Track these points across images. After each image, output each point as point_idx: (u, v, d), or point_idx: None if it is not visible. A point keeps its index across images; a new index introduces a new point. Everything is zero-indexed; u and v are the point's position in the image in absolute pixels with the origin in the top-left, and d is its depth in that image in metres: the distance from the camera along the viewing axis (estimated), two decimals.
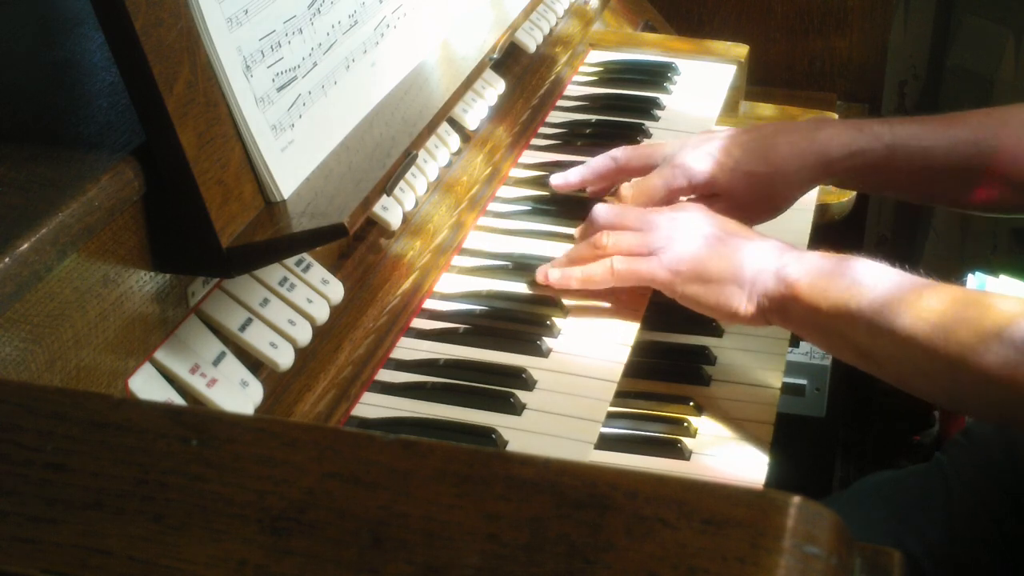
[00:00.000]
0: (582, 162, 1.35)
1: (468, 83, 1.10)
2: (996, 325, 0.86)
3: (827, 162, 1.14)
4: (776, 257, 0.99)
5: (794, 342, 1.23)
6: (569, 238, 1.22)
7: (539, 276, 1.10)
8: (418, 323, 1.09)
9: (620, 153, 1.20)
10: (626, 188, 1.17)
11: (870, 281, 0.94)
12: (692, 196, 1.17)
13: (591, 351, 1.04)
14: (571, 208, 1.23)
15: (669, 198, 1.16)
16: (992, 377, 0.85)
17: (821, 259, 0.98)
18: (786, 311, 0.98)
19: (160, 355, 0.84)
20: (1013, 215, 1.21)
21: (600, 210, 1.10)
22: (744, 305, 1.00)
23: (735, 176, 1.13)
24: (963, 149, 1.13)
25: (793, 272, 0.97)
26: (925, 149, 1.14)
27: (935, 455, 1.22)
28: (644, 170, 1.18)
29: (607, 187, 1.23)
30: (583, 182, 1.22)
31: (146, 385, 0.83)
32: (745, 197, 1.14)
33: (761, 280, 0.99)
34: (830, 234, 1.39)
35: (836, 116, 1.58)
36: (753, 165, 1.14)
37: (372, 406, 0.99)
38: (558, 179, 1.24)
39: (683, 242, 1.03)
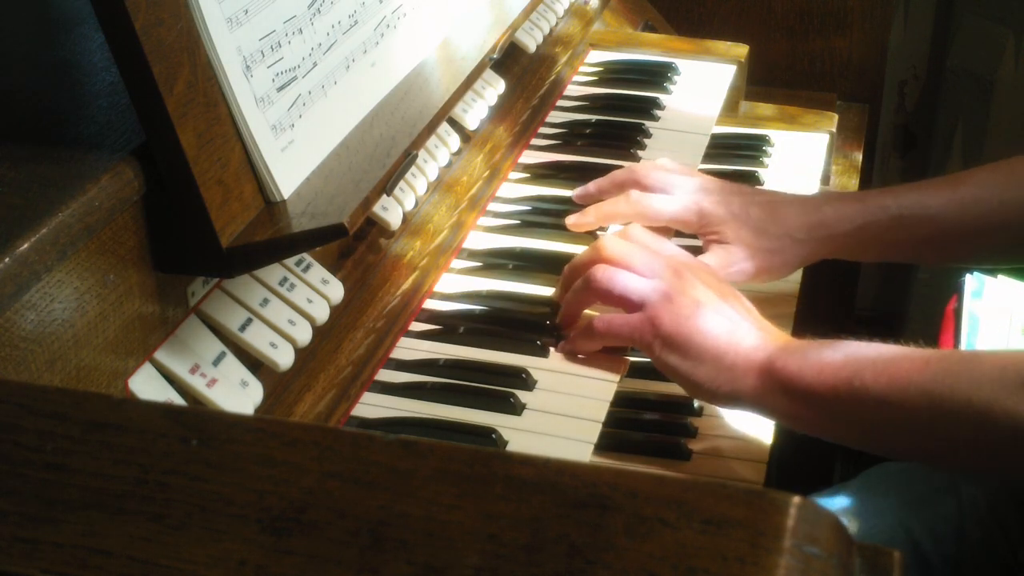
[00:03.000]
0: (582, 162, 1.35)
1: (468, 83, 1.10)
2: (1020, 374, 0.82)
3: (833, 236, 1.14)
4: (765, 347, 0.95)
5: None
6: (569, 238, 1.22)
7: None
8: (418, 323, 1.09)
9: (640, 168, 1.21)
10: (636, 196, 1.17)
11: (867, 355, 0.90)
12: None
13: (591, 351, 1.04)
14: (571, 208, 1.23)
15: (670, 226, 1.16)
16: None
17: (810, 344, 0.95)
18: (773, 399, 0.94)
19: (160, 355, 0.84)
20: None
21: (609, 243, 1.06)
22: (718, 387, 0.96)
23: (747, 229, 1.14)
24: (972, 211, 1.12)
25: (780, 361, 0.93)
26: (932, 217, 1.12)
27: None
28: (657, 191, 1.18)
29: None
30: (600, 192, 1.22)
31: (146, 385, 0.83)
32: (754, 250, 1.14)
33: (743, 366, 0.95)
34: None
35: (836, 116, 1.58)
36: (767, 224, 1.14)
37: (372, 406, 0.99)
38: (579, 191, 1.24)
39: (676, 304, 0.98)
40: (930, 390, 0.86)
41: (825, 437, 0.95)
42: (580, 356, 1.04)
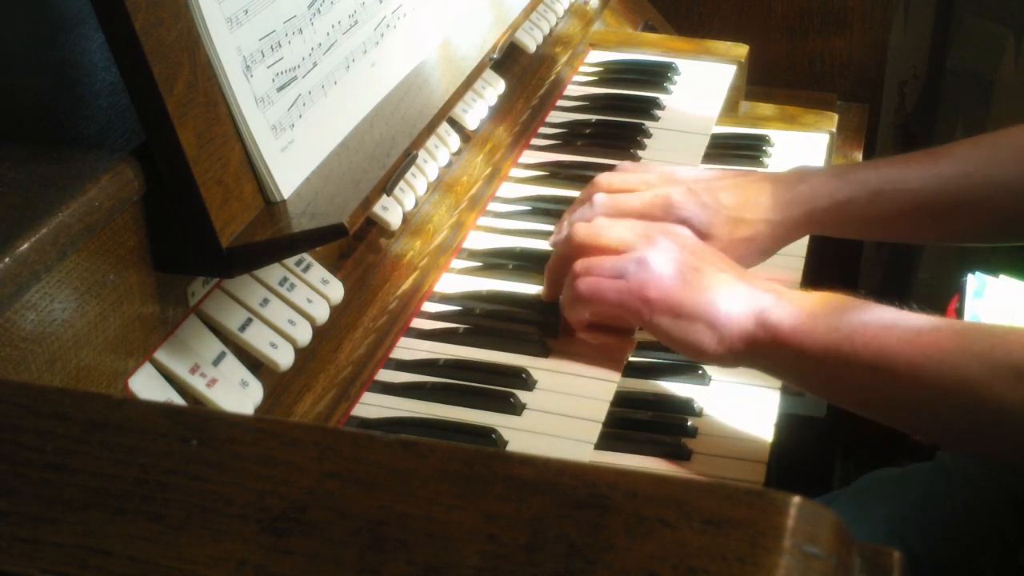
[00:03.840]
0: (582, 162, 1.35)
1: (468, 83, 1.10)
2: (1009, 358, 0.81)
3: (811, 212, 1.11)
4: (755, 298, 0.94)
5: None
6: None
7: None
8: (418, 323, 1.09)
9: (601, 176, 1.16)
10: (601, 198, 1.11)
11: (862, 319, 0.89)
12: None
13: (591, 351, 1.04)
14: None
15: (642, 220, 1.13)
16: (1012, 413, 0.81)
17: (805, 299, 0.93)
18: (766, 356, 0.94)
19: (160, 355, 0.84)
20: (1009, 243, 1.19)
21: (580, 228, 1.05)
22: (713, 346, 0.95)
23: (718, 218, 1.10)
24: (953, 186, 1.09)
25: (775, 315, 0.92)
26: (913, 191, 1.10)
27: (936, 454, 1.22)
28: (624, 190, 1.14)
29: None
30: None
31: (146, 385, 0.83)
32: (727, 240, 1.10)
33: (736, 322, 0.94)
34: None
35: (836, 116, 1.58)
36: (739, 211, 1.10)
37: (372, 406, 0.99)
38: (554, 239, 1.16)
39: (657, 267, 0.97)
40: (918, 364, 0.85)
41: (819, 396, 0.95)
42: (580, 355, 1.04)
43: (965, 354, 0.83)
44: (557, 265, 1.07)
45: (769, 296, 0.94)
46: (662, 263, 0.97)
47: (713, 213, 1.10)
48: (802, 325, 0.91)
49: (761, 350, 0.93)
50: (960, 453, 1.10)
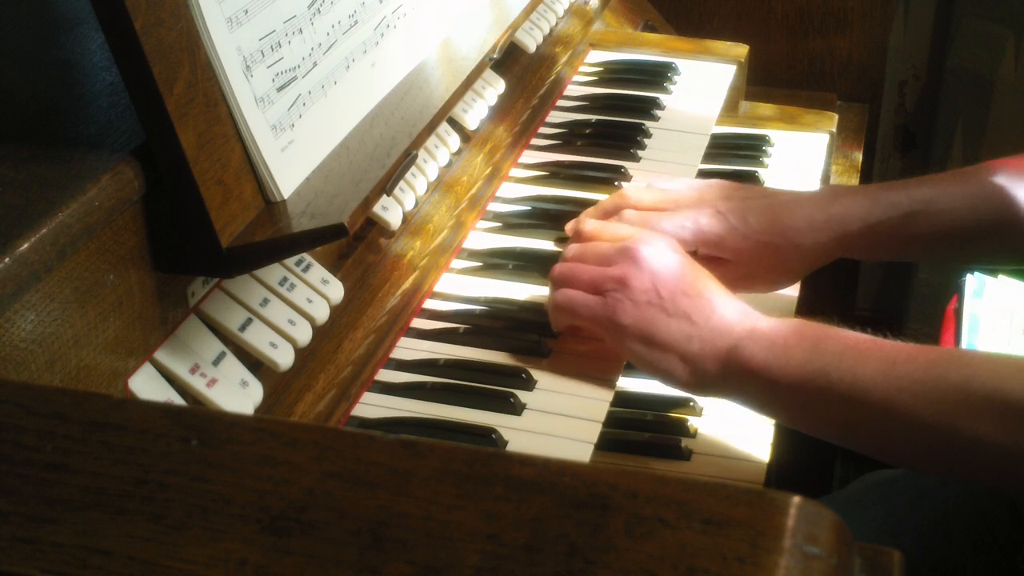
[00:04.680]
0: (582, 162, 1.35)
1: (468, 83, 1.10)
2: (984, 388, 0.81)
3: (844, 235, 1.09)
4: (729, 330, 0.93)
5: None
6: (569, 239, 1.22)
7: None
8: (418, 323, 1.09)
9: (631, 190, 1.15)
10: (632, 215, 1.10)
11: (835, 349, 0.88)
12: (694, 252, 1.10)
13: (591, 351, 1.04)
14: (571, 208, 1.23)
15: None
16: (988, 444, 0.81)
17: (779, 330, 0.92)
18: (739, 388, 0.93)
19: (160, 355, 0.84)
20: None
21: (569, 249, 1.05)
22: (685, 376, 0.95)
23: (747, 243, 1.08)
24: (984, 207, 1.08)
25: (747, 349, 0.91)
26: (944, 212, 1.08)
27: None
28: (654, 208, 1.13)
29: None
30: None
31: (146, 385, 0.83)
32: (755, 265, 1.09)
33: (709, 356, 0.93)
34: None
35: (836, 116, 1.58)
36: (768, 236, 1.08)
37: (372, 406, 0.99)
38: (569, 225, 1.15)
39: (635, 290, 0.96)
40: (892, 398, 0.85)
41: (796, 428, 0.94)
42: (580, 355, 1.04)
43: (940, 385, 0.83)
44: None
45: (743, 327, 0.93)
46: (642, 285, 0.96)
47: (742, 238, 1.09)
48: (776, 358, 0.90)
49: (734, 382, 0.93)
50: (952, 479, 1.10)
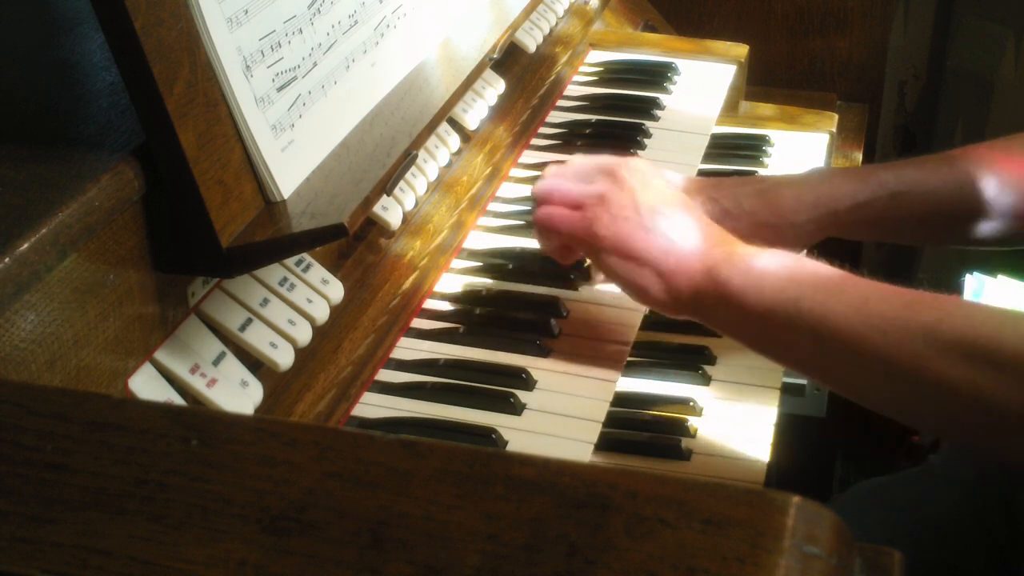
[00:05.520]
0: None
1: (468, 83, 1.10)
2: (953, 332, 0.80)
3: (833, 214, 1.11)
4: (708, 251, 0.94)
5: None
6: None
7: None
8: (418, 323, 1.09)
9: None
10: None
11: (810, 281, 0.88)
12: None
13: (591, 351, 1.04)
14: None
15: None
16: (953, 386, 0.80)
17: (758, 257, 0.92)
18: (711, 310, 0.93)
19: (160, 355, 0.84)
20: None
21: (551, 169, 1.06)
22: (658, 292, 0.95)
23: (741, 224, 1.10)
24: (969, 189, 1.10)
25: (724, 271, 0.91)
26: (931, 193, 1.11)
27: (927, 457, 1.22)
28: None
29: None
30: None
31: (146, 385, 0.83)
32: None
33: (685, 272, 0.94)
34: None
35: (836, 116, 1.58)
36: (763, 216, 1.11)
37: (372, 406, 0.99)
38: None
39: (612, 205, 0.97)
40: (861, 333, 0.84)
41: (762, 355, 0.94)
42: (580, 356, 1.04)
43: (910, 326, 0.82)
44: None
45: (722, 250, 0.94)
46: (621, 201, 0.97)
47: (736, 220, 1.11)
48: (751, 284, 0.90)
49: (707, 303, 0.93)
50: (906, 425, 1.10)
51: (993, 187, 1.10)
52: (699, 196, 1.12)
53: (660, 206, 0.97)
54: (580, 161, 1.06)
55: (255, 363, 0.90)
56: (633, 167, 1.01)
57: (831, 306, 0.86)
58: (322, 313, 0.95)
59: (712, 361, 1.12)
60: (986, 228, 1.13)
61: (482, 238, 1.23)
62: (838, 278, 0.89)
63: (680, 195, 1.00)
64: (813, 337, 0.87)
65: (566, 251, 1.05)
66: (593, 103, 1.49)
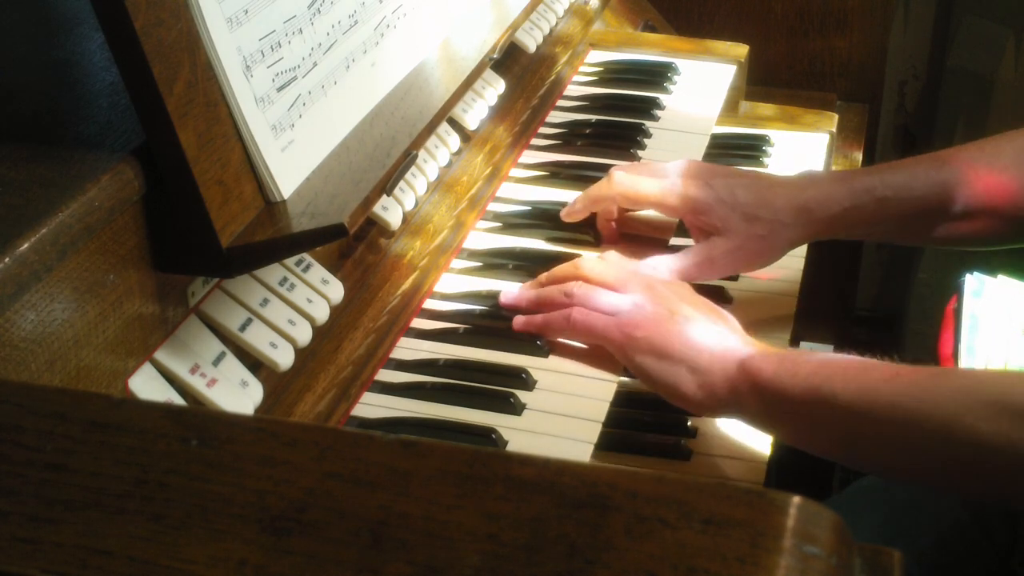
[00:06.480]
0: (582, 162, 1.35)
1: (468, 83, 1.10)
2: (983, 391, 0.82)
3: (821, 219, 1.13)
4: (739, 347, 0.96)
5: (794, 342, 1.22)
6: (569, 240, 1.22)
7: (515, 322, 1.07)
8: (418, 323, 1.09)
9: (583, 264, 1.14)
10: (619, 175, 1.17)
11: (841, 365, 0.90)
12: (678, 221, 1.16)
13: (592, 350, 1.04)
14: None
15: (654, 208, 1.17)
16: (989, 448, 0.81)
17: (787, 351, 0.96)
18: (747, 402, 0.94)
19: (160, 355, 0.84)
20: (1013, 246, 1.19)
21: (587, 261, 1.08)
22: (694, 390, 0.96)
23: (735, 214, 1.12)
24: (957, 191, 1.12)
25: (756, 361, 0.93)
26: (918, 199, 1.12)
27: None
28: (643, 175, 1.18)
29: (610, 209, 1.22)
30: (586, 211, 1.22)
31: (146, 385, 0.83)
32: (744, 238, 1.13)
33: (719, 368, 0.95)
34: None
35: (836, 116, 1.58)
36: (754, 209, 1.12)
37: (372, 406, 0.99)
38: (564, 213, 1.23)
39: (648, 310, 1.00)
40: (896, 402, 0.86)
41: (800, 446, 0.95)
42: (580, 356, 1.04)
43: (942, 390, 0.84)
44: (554, 282, 1.08)
45: (755, 347, 0.96)
46: (654, 307, 1.00)
47: (729, 209, 1.12)
48: (785, 371, 0.92)
49: (742, 394, 0.94)
50: (940, 492, 1.11)
51: (977, 193, 1.12)
52: (695, 180, 1.14)
53: (694, 313, 1.00)
54: (614, 259, 1.09)
55: (255, 363, 0.90)
56: (670, 284, 1.05)
57: (863, 381, 0.88)
58: (322, 313, 0.95)
59: None
60: (973, 230, 1.15)
61: (482, 238, 1.23)
62: (867, 361, 0.91)
63: (711, 304, 1.03)
64: (850, 411, 0.88)
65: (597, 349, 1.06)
66: (593, 103, 1.49)
